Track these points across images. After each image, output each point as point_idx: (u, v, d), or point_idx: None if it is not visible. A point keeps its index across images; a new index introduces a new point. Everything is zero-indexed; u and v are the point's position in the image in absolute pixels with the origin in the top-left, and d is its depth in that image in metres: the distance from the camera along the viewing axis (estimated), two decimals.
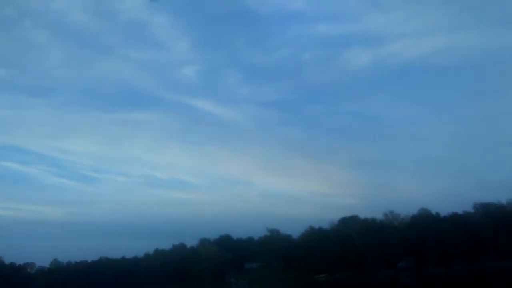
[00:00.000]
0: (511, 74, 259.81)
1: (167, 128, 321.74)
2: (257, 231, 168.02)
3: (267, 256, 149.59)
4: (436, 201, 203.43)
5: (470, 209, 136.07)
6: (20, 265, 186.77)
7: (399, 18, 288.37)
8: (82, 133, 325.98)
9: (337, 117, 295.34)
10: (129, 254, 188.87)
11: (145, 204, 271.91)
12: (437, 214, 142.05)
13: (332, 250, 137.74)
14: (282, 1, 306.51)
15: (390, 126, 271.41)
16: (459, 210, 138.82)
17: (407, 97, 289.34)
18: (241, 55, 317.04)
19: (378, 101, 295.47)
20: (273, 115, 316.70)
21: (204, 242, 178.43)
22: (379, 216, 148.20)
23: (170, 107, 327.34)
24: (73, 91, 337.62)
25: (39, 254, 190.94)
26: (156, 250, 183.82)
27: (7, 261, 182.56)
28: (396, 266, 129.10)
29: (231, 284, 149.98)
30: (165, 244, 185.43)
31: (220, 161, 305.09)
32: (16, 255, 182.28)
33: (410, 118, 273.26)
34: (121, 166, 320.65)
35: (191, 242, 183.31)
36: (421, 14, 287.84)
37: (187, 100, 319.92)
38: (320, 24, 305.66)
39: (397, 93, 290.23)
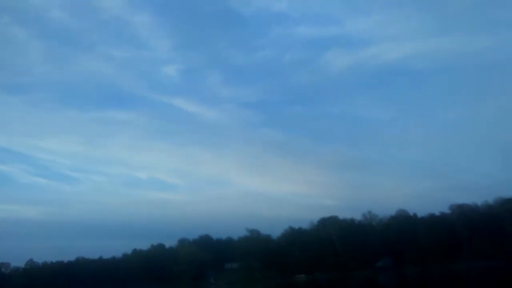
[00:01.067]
0: (487, 78, 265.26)
1: (147, 128, 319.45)
2: (237, 232, 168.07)
3: (247, 256, 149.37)
4: (413, 202, 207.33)
5: (446, 210, 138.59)
6: None
7: (380, 22, 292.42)
8: (61, 131, 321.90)
9: (318, 119, 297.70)
10: (107, 255, 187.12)
11: (124, 204, 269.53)
12: (415, 215, 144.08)
13: (311, 250, 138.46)
14: (265, 2, 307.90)
15: (369, 128, 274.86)
16: (436, 211, 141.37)
17: (387, 99, 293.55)
18: (223, 55, 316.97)
19: (358, 103, 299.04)
20: (254, 116, 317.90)
21: (183, 242, 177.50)
22: (358, 216, 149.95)
23: (150, 107, 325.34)
24: (52, 89, 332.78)
25: (14, 254, 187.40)
26: (135, 250, 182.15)
27: None
28: (374, 266, 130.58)
29: (211, 284, 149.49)
30: (144, 245, 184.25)
31: (201, 161, 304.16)
32: None
33: (389, 121, 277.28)
34: (100, 165, 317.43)
35: (170, 242, 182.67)
36: (401, 19, 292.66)
37: (168, 100, 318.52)
38: (302, 26, 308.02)
39: (377, 96, 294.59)
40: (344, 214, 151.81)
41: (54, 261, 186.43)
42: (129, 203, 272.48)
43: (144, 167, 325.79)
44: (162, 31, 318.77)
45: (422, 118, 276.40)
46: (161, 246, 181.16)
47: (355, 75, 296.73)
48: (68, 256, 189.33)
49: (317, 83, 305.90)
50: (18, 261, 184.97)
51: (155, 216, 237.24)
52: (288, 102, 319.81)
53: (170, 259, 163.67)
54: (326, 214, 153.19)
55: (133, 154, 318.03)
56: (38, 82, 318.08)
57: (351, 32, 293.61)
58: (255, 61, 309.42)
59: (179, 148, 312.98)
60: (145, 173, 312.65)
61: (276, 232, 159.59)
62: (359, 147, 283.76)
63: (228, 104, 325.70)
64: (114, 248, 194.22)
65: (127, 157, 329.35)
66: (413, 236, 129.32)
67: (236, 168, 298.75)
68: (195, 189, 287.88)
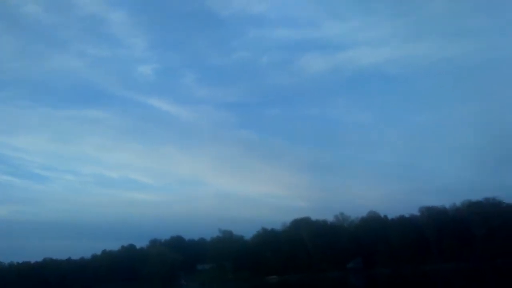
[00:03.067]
0: (458, 84, 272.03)
1: (121, 127, 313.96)
2: (210, 232, 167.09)
3: (219, 257, 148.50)
4: (384, 204, 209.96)
5: (416, 212, 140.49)
6: None
7: (356, 26, 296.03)
8: (32, 129, 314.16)
9: (293, 121, 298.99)
10: (76, 255, 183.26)
11: (95, 204, 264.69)
12: (385, 216, 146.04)
13: (283, 251, 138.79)
14: (243, 4, 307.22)
15: (343, 131, 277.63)
16: (406, 213, 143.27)
17: (361, 103, 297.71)
18: (200, 55, 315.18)
19: (333, 106, 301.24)
20: (230, 116, 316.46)
21: (154, 243, 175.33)
22: (330, 218, 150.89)
23: (125, 105, 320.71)
24: (24, 85, 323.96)
25: None
26: (104, 251, 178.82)
27: None
28: (345, 267, 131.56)
29: (181, 286, 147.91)
30: (114, 245, 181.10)
31: (175, 161, 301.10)
32: None
33: (363, 124, 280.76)
34: (72, 164, 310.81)
35: (141, 243, 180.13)
36: (376, 24, 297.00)
37: (143, 99, 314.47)
38: (280, 29, 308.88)
39: (352, 99, 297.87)
40: (316, 215, 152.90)
41: (20, 261, 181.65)
42: (100, 203, 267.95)
43: (117, 167, 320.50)
44: (138, 30, 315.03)
45: (395, 122, 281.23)
46: (131, 247, 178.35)
47: (331, 78, 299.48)
48: (35, 256, 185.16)
49: (294, 85, 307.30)
50: None
51: (126, 217, 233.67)
52: (264, 104, 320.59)
53: (140, 260, 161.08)
54: (299, 215, 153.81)
55: (106, 153, 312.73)
56: (9, 78, 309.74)
57: (328, 35, 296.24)
58: (232, 62, 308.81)
59: (153, 148, 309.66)
60: (117, 172, 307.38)
61: (249, 233, 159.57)
62: (333, 149, 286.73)
63: (204, 104, 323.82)
64: (83, 248, 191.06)
65: (99, 156, 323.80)
66: (384, 237, 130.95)
67: (210, 168, 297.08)
68: (168, 190, 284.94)
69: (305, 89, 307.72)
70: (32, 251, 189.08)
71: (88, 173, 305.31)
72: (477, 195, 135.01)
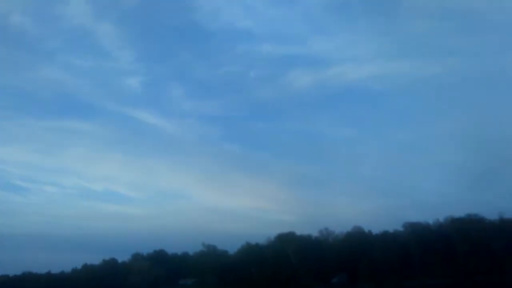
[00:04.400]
0: (440, 101, 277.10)
1: (105, 139, 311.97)
2: (194, 247, 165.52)
3: (202, 272, 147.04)
4: (369, 219, 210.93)
5: (400, 228, 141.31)
6: None
7: (341, 43, 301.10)
8: (14, 140, 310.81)
9: (279, 135, 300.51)
10: (56, 269, 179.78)
11: (76, 217, 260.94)
12: (370, 232, 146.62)
13: (267, 266, 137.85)
14: (231, 19, 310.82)
15: (328, 146, 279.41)
16: (390, 228, 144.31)
17: (346, 118, 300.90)
18: (186, 69, 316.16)
19: (318, 122, 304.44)
20: (215, 130, 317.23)
21: (136, 257, 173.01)
22: (315, 233, 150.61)
23: (110, 117, 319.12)
24: (7, 96, 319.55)
25: None
26: (85, 265, 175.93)
27: None
28: (329, 282, 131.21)
29: None
30: (95, 259, 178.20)
31: (159, 174, 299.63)
32: None
33: (347, 139, 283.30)
34: (54, 176, 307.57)
35: (123, 257, 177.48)
36: (361, 41, 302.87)
37: (128, 111, 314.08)
38: (267, 44, 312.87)
39: (337, 115, 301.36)
40: (301, 230, 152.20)
41: None
42: (82, 215, 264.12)
43: (100, 179, 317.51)
44: (125, 42, 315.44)
45: (378, 138, 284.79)
46: (113, 260, 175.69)
47: (317, 94, 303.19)
48: (14, 270, 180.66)
49: (279, 100, 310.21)
50: None
51: (108, 230, 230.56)
52: (250, 118, 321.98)
53: (122, 275, 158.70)
54: (284, 229, 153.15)
55: (89, 165, 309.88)
56: None
57: (314, 51, 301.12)
58: (219, 76, 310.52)
59: (137, 161, 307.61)
60: (100, 185, 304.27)
61: (233, 247, 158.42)
62: (317, 163, 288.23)
63: (190, 117, 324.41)
64: (63, 262, 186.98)
65: (82, 168, 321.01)
66: (368, 253, 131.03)
67: (194, 182, 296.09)
68: (152, 203, 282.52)
69: (290, 103, 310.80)
70: (11, 265, 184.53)
71: (70, 185, 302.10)
72: (459, 211, 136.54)
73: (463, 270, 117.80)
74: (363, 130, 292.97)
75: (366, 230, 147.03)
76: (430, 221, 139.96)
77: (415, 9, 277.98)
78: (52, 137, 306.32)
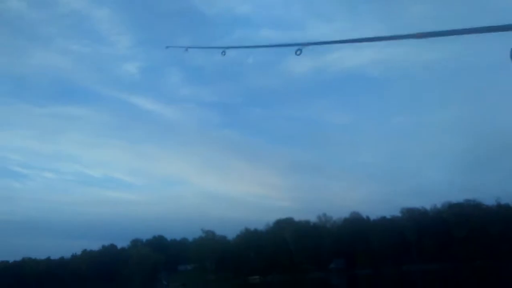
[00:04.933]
0: (439, 87, 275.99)
1: (103, 125, 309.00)
2: (193, 232, 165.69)
3: (201, 257, 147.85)
4: (366, 205, 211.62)
5: (397, 213, 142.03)
6: None
7: (340, 28, 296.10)
8: (11, 125, 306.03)
9: (277, 121, 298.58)
10: (55, 255, 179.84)
11: (75, 203, 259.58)
12: (367, 218, 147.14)
13: (266, 252, 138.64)
14: (229, 4, 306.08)
15: (327, 132, 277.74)
16: (388, 214, 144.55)
17: (344, 104, 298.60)
18: (184, 54, 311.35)
19: (317, 107, 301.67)
20: (213, 116, 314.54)
21: (135, 243, 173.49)
22: (313, 218, 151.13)
23: (108, 103, 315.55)
24: (4, 81, 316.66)
25: None
26: (84, 251, 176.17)
27: None
28: (327, 267, 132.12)
29: (163, 286, 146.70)
30: (95, 245, 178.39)
31: (158, 160, 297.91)
32: None
33: (346, 125, 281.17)
34: (51, 162, 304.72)
35: (122, 243, 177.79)
36: (360, 26, 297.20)
37: (126, 97, 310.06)
38: (265, 30, 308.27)
39: (336, 101, 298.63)
40: (299, 216, 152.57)
41: None
42: (80, 201, 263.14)
43: (99, 165, 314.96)
44: (122, 27, 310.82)
45: (376, 124, 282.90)
46: (112, 246, 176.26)
47: (315, 80, 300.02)
48: (13, 256, 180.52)
49: (278, 86, 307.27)
50: None
51: (108, 216, 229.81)
52: (248, 104, 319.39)
53: (121, 261, 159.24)
54: (282, 215, 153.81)
55: (87, 151, 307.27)
56: None
57: (312, 37, 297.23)
58: (217, 61, 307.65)
59: (136, 147, 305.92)
60: (99, 171, 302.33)
61: (232, 233, 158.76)
62: (315, 150, 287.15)
63: (188, 103, 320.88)
64: (63, 248, 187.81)
65: (81, 154, 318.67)
66: (366, 238, 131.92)
67: (193, 168, 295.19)
68: (150, 189, 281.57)
69: (288, 89, 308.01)
70: (10, 250, 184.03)
71: (68, 171, 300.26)
72: (457, 197, 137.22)
73: (461, 255, 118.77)
74: (361, 116, 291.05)
75: (364, 216, 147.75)
76: (428, 206, 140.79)
77: None
78: (49, 123, 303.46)
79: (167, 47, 12.28)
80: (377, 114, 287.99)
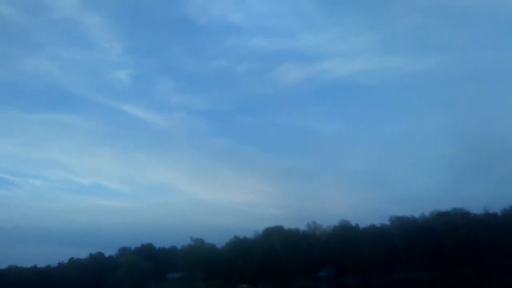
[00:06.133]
0: (427, 96, 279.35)
1: (93, 132, 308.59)
2: (182, 240, 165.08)
3: (190, 265, 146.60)
4: (356, 213, 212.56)
5: (386, 222, 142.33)
6: None
7: (331, 39, 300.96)
8: None
9: (268, 129, 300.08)
10: (41, 263, 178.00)
11: (63, 211, 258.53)
12: (357, 225, 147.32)
13: (255, 260, 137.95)
14: (221, 13, 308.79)
15: (317, 140, 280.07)
16: (377, 222, 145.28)
17: (334, 113, 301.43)
18: (176, 62, 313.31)
19: (307, 115, 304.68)
20: (204, 124, 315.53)
21: (124, 251, 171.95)
22: (302, 226, 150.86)
23: (98, 110, 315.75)
24: None
25: None
26: (71, 259, 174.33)
27: None
28: (316, 275, 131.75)
29: None
30: (82, 253, 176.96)
31: (148, 168, 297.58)
32: None
33: (336, 133, 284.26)
34: (40, 169, 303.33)
35: (111, 251, 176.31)
36: (350, 37, 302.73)
37: (117, 104, 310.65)
38: (257, 38, 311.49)
39: (325, 109, 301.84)
40: (289, 223, 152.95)
41: None
42: (68, 209, 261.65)
43: (88, 173, 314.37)
44: (114, 34, 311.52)
45: (366, 132, 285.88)
46: (100, 255, 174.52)
47: (305, 88, 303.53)
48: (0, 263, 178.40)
49: (269, 94, 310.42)
50: None
51: (95, 224, 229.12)
52: (239, 112, 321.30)
53: (109, 269, 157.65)
54: (272, 223, 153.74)
55: (76, 158, 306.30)
56: None
57: (303, 46, 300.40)
58: (209, 69, 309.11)
59: (126, 154, 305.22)
60: (88, 178, 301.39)
61: (221, 241, 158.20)
62: (306, 158, 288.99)
63: (179, 111, 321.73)
64: (49, 256, 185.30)
65: (69, 162, 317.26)
66: (355, 246, 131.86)
67: (183, 176, 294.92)
68: (140, 197, 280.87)
69: (279, 98, 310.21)
70: None
71: (57, 179, 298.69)
72: (445, 205, 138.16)
73: (449, 263, 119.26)
74: (351, 125, 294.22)
75: (353, 224, 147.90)
76: (417, 215, 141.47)
77: (404, 4, 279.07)
78: (38, 129, 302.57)
79: None
80: (367, 123, 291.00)
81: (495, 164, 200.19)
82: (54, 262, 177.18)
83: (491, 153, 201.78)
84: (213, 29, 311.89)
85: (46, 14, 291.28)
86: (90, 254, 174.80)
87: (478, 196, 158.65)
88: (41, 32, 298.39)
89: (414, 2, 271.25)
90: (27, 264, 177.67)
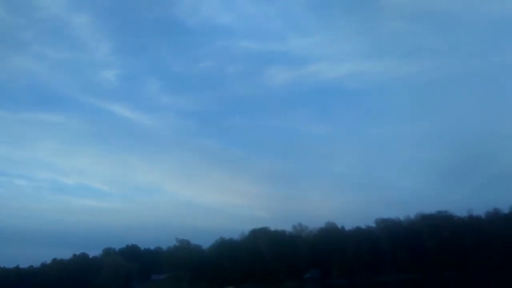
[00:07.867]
0: (413, 100, 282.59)
1: (79, 132, 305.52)
2: (168, 242, 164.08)
3: (175, 267, 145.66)
4: (342, 215, 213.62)
5: (372, 224, 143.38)
6: None
7: (319, 42, 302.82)
8: None
9: (255, 131, 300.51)
10: (24, 264, 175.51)
11: (47, 211, 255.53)
12: (343, 227, 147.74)
13: (241, 261, 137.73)
14: (210, 14, 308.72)
15: (303, 142, 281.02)
16: (362, 224, 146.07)
17: (321, 116, 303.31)
18: (164, 63, 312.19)
19: (295, 118, 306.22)
20: (192, 125, 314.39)
21: (108, 251, 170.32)
22: (288, 228, 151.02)
23: (84, 110, 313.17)
24: None
25: None
26: (55, 260, 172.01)
27: None
28: (302, 277, 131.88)
29: None
30: (65, 254, 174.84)
31: (134, 168, 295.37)
32: None
33: (322, 136, 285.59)
34: (24, 169, 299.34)
35: (95, 252, 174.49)
36: (338, 40, 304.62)
37: (104, 104, 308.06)
38: (245, 40, 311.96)
39: (313, 112, 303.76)
40: (275, 225, 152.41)
41: None
42: (53, 209, 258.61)
43: (73, 173, 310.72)
44: (102, 34, 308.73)
45: (353, 135, 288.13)
46: (84, 255, 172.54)
47: (293, 91, 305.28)
48: None
49: (256, 96, 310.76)
50: None
51: (79, 224, 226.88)
52: (227, 113, 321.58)
53: (93, 270, 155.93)
54: (258, 225, 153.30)
55: (61, 158, 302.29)
56: None
57: (291, 49, 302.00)
58: (197, 71, 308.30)
59: (112, 155, 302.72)
60: (73, 179, 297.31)
61: (206, 242, 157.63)
62: (292, 160, 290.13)
63: (166, 112, 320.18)
64: (32, 256, 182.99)
65: (54, 162, 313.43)
66: (341, 248, 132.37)
67: (169, 176, 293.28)
68: (125, 197, 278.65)
69: (267, 100, 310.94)
70: None
71: (42, 179, 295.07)
72: (430, 208, 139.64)
73: (433, 265, 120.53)
74: (338, 128, 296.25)
75: (339, 226, 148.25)
76: (401, 217, 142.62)
77: (392, 9, 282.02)
78: (23, 129, 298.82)
79: None
80: (354, 126, 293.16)
81: (479, 167, 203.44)
82: (37, 263, 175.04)
83: (476, 156, 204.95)
84: (202, 30, 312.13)
85: (33, 13, 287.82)
86: (74, 255, 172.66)
87: (463, 199, 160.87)
88: (27, 31, 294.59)
89: (402, 8, 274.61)
90: (10, 264, 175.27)
